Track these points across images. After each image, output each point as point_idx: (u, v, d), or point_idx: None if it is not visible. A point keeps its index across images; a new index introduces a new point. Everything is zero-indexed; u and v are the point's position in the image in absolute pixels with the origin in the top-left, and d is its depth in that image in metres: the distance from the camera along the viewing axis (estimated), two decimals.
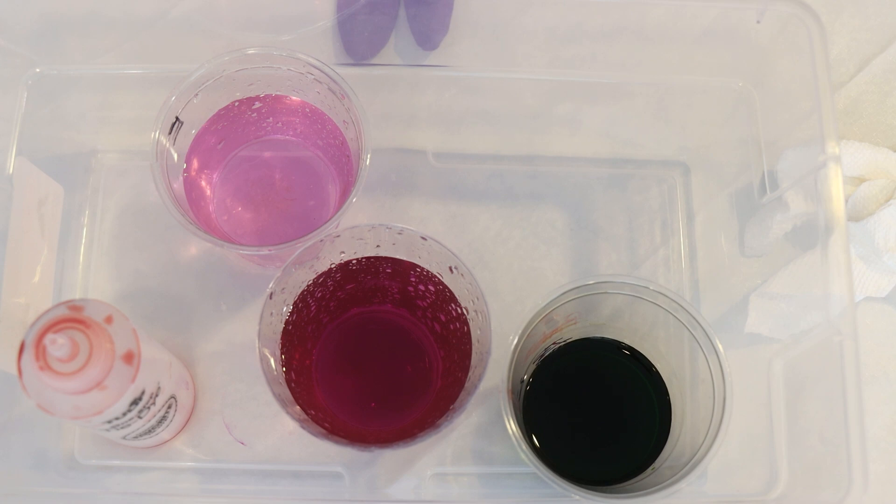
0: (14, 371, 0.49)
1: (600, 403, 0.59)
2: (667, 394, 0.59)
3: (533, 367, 0.59)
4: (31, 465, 0.58)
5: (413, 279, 0.57)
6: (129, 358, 0.48)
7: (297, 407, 0.52)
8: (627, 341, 0.60)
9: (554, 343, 0.60)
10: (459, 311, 0.55)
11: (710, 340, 0.53)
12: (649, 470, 0.57)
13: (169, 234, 0.62)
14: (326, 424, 0.53)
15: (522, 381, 0.59)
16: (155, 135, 0.55)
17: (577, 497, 0.51)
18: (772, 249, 0.60)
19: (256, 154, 0.63)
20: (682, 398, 0.58)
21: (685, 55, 0.63)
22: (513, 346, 0.53)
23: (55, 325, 0.47)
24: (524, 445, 0.51)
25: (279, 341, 0.54)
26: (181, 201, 0.57)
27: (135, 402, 0.50)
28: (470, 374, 0.53)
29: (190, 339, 0.61)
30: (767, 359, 0.58)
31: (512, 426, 0.51)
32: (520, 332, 0.53)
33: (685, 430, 0.56)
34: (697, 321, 0.53)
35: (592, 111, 0.66)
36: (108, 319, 0.48)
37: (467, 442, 0.59)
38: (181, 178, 0.58)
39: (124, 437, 0.54)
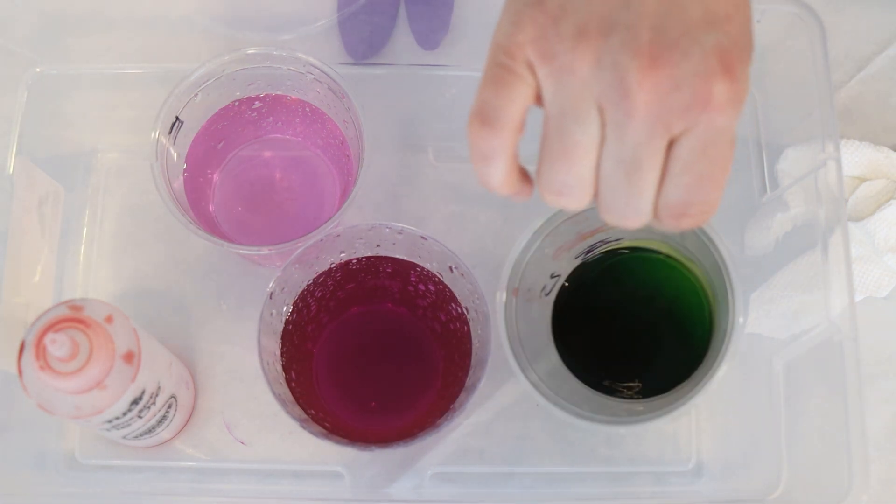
0: (14, 371, 0.49)
1: (639, 315, 0.59)
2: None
3: (576, 263, 0.58)
4: (31, 465, 0.58)
5: (413, 279, 0.57)
6: (130, 357, 0.48)
7: (298, 406, 0.52)
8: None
9: (602, 242, 0.58)
10: (459, 310, 0.55)
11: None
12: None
13: (169, 234, 0.62)
14: (326, 424, 0.53)
15: (556, 276, 0.57)
16: (155, 135, 0.55)
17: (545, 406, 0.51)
18: (772, 249, 0.60)
19: (256, 154, 0.63)
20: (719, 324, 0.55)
21: None
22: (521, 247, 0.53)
23: (55, 325, 0.47)
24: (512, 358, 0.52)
25: (279, 341, 0.54)
26: (181, 201, 0.57)
27: (135, 401, 0.50)
28: (470, 374, 0.53)
29: (190, 339, 0.61)
30: (767, 359, 0.58)
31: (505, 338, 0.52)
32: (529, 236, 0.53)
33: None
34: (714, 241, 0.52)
35: None
36: (109, 319, 0.48)
37: (467, 441, 0.59)
38: (181, 178, 0.58)
39: (124, 437, 0.54)
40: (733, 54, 0.33)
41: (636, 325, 0.59)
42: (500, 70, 0.35)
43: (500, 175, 0.37)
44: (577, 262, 0.59)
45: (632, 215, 0.36)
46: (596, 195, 0.36)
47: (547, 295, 0.57)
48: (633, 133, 0.33)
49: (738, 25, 0.34)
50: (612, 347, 0.59)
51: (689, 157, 0.34)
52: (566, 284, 0.58)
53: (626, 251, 0.59)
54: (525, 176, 0.39)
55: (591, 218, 0.55)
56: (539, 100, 0.35)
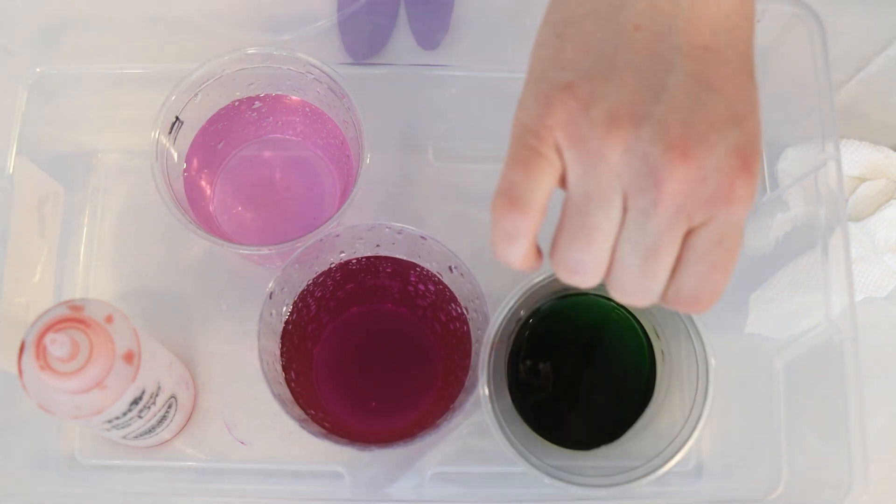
0: (14, 371, 0.49)
1: (586, 361, 0.59)
2: (653, 363, 0.58)
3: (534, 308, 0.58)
4: (31, 465, 0.58)
5: (413, 279, 0.57)
6: (130, 357, 0.48)
7: (298, 407, 0.52)
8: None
9: (554, 293, 0.58)
10: (459, 310, 0.55)
11: (695, 325, 0.52)
12: (627, 435, 0.57)
13: (169, 234, 0.62)
14: (326, 424, 0.53)
15: (519, 320, 0.57)
16: (155, 135, 0.55)
17: (547, 482, 0.50)
18: (772, 249, 0.60)
19: (256, 154, 0.63)
20: (670, 371, 0.57)
21: None
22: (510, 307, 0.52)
23: (55, 325, 0.47)
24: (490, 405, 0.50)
25: (279, 341, 0.54)
26: (181, 201, 0.57)
27: (135, 401, 0.50)
28: (470, 374, 0.53)
29: (190, 339, 0.61)
30: (767, 359, 0.58)
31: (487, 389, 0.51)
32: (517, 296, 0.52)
33: (666, 406, 0.56)
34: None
35: None
36: (109, 319, 0.48)
37: (468, 441, 0.59)
38: (181, 178, 0.58)
39: (124, 437, 0.54)
40: (751, 151, 0.35)
41: (577, 370, 0.59)
42: (528, 152, 0.36)
43: (521, 254, 0.38)
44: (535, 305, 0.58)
45: (641, 296, 0.37)
46: (607, 273, 0.37)
47: (509, 337, 0.57)
48: (657, 221, 0.35)
49: (753, 124, 0.36)
50: (556, 393, 0.59)
51: (706, 246, 0.36)
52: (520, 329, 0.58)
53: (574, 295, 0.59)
54: (539, 252, 0.39)
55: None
56: (562, 181, 0.37)
